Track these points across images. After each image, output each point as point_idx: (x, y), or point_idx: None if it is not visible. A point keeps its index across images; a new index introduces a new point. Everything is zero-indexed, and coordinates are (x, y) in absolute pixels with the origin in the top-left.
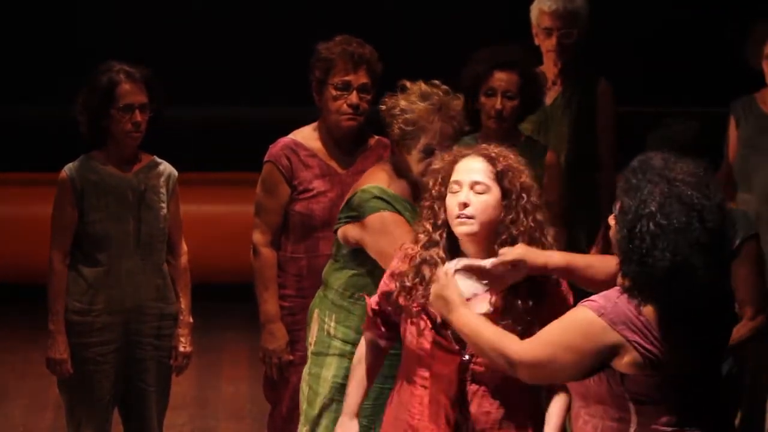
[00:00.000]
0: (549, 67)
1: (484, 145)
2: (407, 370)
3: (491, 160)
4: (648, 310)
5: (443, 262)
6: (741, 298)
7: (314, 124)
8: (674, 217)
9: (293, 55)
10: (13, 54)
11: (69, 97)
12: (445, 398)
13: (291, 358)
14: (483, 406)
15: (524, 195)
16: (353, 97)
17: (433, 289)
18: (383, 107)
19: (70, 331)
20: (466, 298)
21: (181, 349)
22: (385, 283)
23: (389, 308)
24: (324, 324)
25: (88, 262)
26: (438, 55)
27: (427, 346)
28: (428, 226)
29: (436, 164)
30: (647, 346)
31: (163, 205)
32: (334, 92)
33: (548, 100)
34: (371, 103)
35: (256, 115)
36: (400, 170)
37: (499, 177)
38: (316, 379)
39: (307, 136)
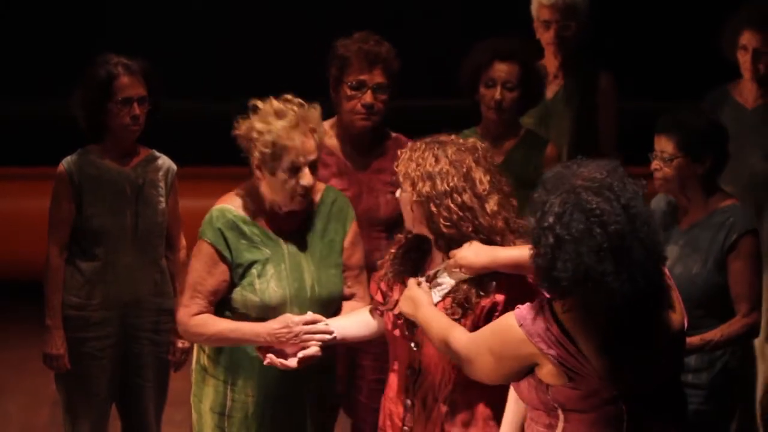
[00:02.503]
0: (549, 61)
1: (409, 145)
2: (390, 355)
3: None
4: (566, 321)
5: (410, 269)
6: (735, 294)
7: (331, 121)
8: (573, 227)
9: (306, 46)
10: (7, 47)
11: (66, 90)
12: (403, 383)
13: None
14: (429, 396)
15: (434, 199)
16: (368, 97)
17: (404, 293)
18: (239, 132)
19: (67, 325)
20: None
21: (179, 344)
22: (381, 271)
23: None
24: (201, 350)
25: (86, 256)
26: (440, 50)
27: (390, 327)
28: (401, 237)
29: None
30: (565, 358)
31: (162, 199)
32: (348, 91)
33: (549, 93)
34: (387, 102)
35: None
36: (257, 194)
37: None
38: (199, 410)
39: (324, 132)
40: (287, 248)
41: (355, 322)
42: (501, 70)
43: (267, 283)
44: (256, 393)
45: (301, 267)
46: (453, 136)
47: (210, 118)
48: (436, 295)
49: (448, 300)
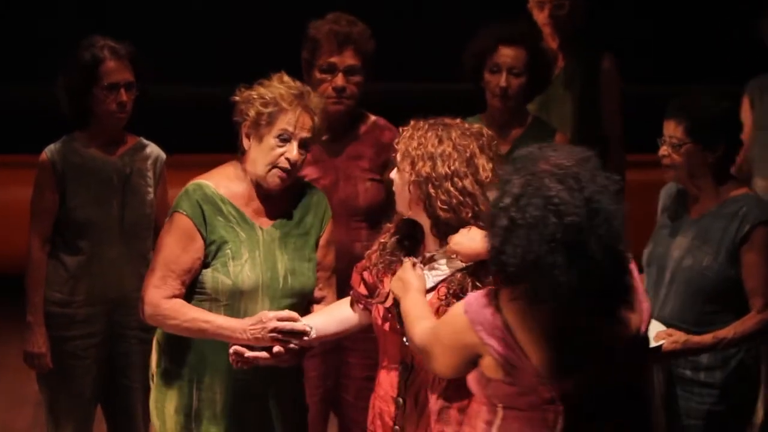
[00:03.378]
0: (548, 43)
1: (412, 123)
2: (380, 350)
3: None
4: (509, 312)
5: (401, 256)
6: (749, 289)
7: None
8: (528, 212)
9: (289, 30)
10: None
11: (50, 74)
12: (394, 380)
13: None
14: (421, 394)
15: (433, 181)
16: (338, 80)
17: (398, 272)
18: (238, 97)
19: (49, 323)
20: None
21: None
22: (368, 260)
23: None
24: (161, 353)
25: (70, 249)
26: (443, 34)
27: (379, 322)
28: (391, 223)
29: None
30: (503, 351)
31: (150, 189)
32: (319, 75)
33: None
34: (362, 84)
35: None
36: (237, 175)
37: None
38: (162, 416)
39: None
40: (262, 235)
41: (331, 318)
42: (506, 55)
43: (241, 267)
44: (224, 390)
45: (274, 256)
46: (458, 120)
47: (201, 103)
48: (430, 280)
49: (443, 289)
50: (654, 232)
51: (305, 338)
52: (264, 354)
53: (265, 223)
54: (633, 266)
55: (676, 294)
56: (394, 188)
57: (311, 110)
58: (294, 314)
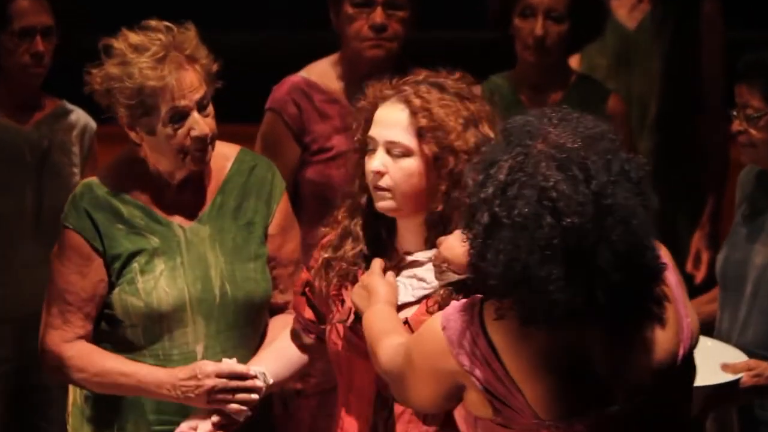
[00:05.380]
0: None
1: (411, 82)
2: (340, 387)
3: (414, 111)
4: (496, 333)
5: (362, 260)
6: None
7: (333, 57)
8: (517, 207)
9: None
10: None
11: None
12: (363, 421)
13: (298, 386)
14: None
15: (452, 161)
16: (377, 16)
17: (362, 278)
18: (93, 84)
19: None
20: (399, 302)
21: None
22: (315, 260)
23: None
24: (76, 394)
25: None
26: None
27: (339, 347)
28: (343, 212)
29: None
30: (490, 382)
31: (76, 170)
32: (351, 9)
33: (631, 22)
34: (409, 23)
35: (248, 42)
36: (138, 162)
37: (421, 135)
38: None
39: (323, 73)
40: (184, 235)
41: (287, 354)
42: None
43: (155, 282)
44: None
45: (205, 260)
46: (457, 75)
47: None
48: (409, 292)
49: (423, 306)
50: (730, 232)
51: (253, 396)
52: (204, 428)
53: (187, 218)
54: (669, 273)
55: (760, 313)
56: (390, 169)
57: (188, 60)
58: (238, 367)
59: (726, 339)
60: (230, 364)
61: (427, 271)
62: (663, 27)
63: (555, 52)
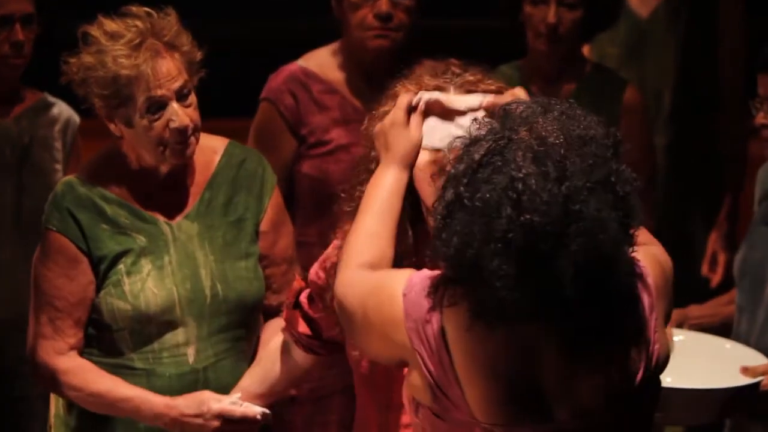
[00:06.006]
0: None
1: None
2: (361, 412)
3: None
4: (449, 320)
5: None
6: None
7: (333, 46)
8: (482, 190)
9: None
10: None
11: None
12: None
13: (293, 392)
14: None
15: None
16: (382, 4)
17: (385, 120)
18: (69, 74)
19: None
20: (429, 148)
21: None
22: (318, 276)
23: (321, 315)
24: (59, 404)
25: None
26: None
27: (363, 369)
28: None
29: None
30: (433, 368)
31: (58, 166)
32: None
33: (645, 10)
34: (415, 12)
35: (242, 32)
36: (119, 156)
37: None
38: None
39: (322, 62)
40: (172, 233)
41: (276, 373)
42: None
43: (142, 284)
44: None
45: (194, 259)
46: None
47: None
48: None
49: None
50: (748, 231)
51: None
52: None
53: (174, 215)
54: (645, 294)
55: None
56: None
57: (166, 47)
58: (247, 411)
59: (744, 342)
60: (238, 409)
61: None
62: (677, 15)
63: (568, 41)
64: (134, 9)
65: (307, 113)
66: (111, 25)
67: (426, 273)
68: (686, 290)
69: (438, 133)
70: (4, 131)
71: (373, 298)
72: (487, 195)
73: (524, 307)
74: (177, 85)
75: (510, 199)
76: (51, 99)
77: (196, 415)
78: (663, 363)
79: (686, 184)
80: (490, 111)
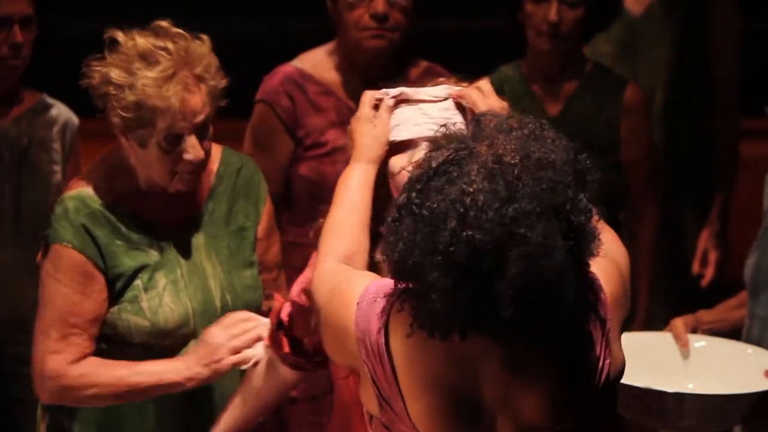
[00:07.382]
0: None
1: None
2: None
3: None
4: (394, 329)
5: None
6: None
7: (328, 47)
8: (430, 199)
9: None
10: None
11: None
12: None
13: (293, 393)
14: None
15: None
16: (378, 4)
17: (353, 117)
18: (91, 81)
19: None
20: (394, 141)
21: None
22: (300, 297)
23: (303, 333)
24: (56, 417)
25: None
26: None
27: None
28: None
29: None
30: (379, 378)
31: (57, 168)
32: None
33: (638, 8)
34: (412, 13)
35: (237, 32)
36: (126, 169)
37: None
38: None
39: (318, 63)
40: (180, 245)
41: (260, 394)
42: None
43: (159, 299)
44: None
45: (203, 271)
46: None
47: None
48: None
49: None
50: (758, 236)
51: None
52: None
53: (181, 226)
54: (592, 311)
55: None
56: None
57: (196, 80)
58: (240, 314)
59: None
60: (231, 316)
61: None
62: (671, 14)
63: (570, 39)
64: (166, 26)
65: (303, 115)
66: (143, 43)
67: (385, 281)
68: (678, 289)
69: (405, 126)
70: (3, 133)
71: (334, 300)
72: (436, 205)
73: (458, 321)
74: (200, 119)
75: (457, 212)
76: (50, 100)
77: (207, 355)
78: (616, 376)
79: (678, 182)
80: (457, 102)
